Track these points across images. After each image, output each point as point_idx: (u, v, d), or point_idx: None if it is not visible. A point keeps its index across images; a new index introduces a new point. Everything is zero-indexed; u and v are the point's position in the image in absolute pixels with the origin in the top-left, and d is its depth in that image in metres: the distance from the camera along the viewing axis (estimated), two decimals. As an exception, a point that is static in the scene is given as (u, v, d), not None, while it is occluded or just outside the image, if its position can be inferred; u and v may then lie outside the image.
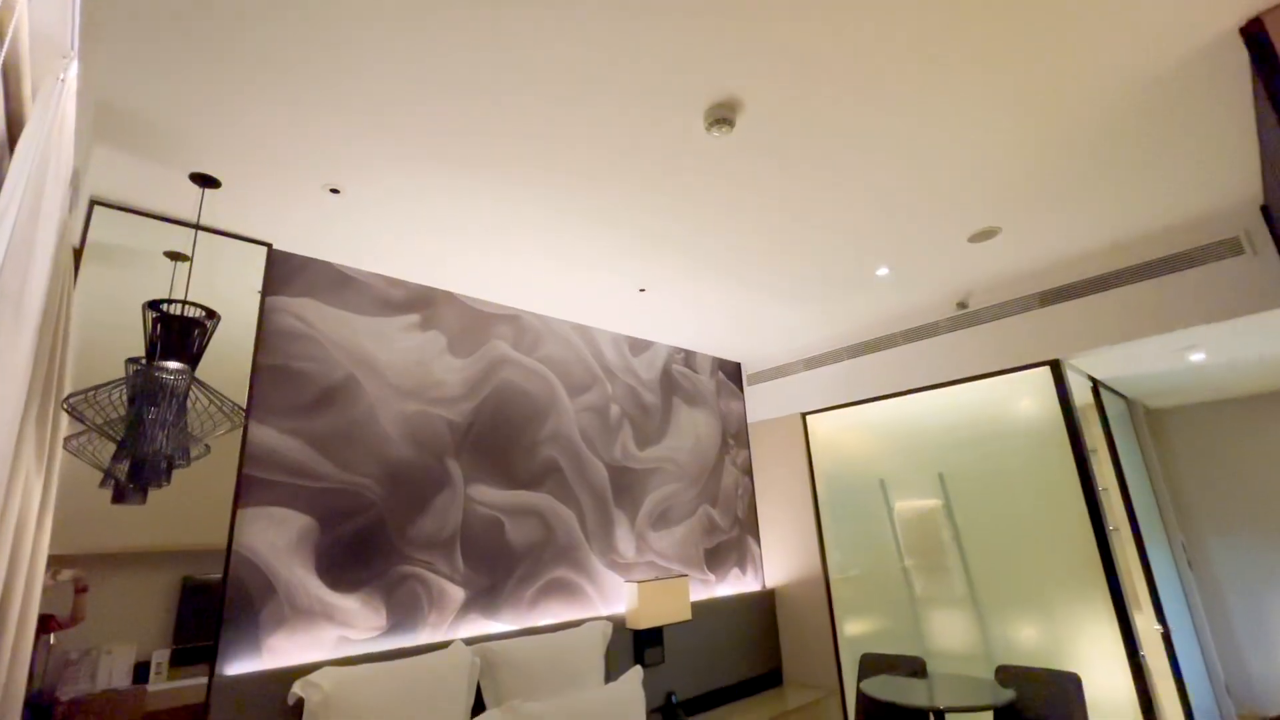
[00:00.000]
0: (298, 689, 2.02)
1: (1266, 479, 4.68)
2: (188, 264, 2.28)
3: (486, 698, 2.44)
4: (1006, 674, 3.02)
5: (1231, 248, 2.67)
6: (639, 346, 3.89)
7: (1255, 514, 4.69)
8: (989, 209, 2.55)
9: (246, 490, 2.23)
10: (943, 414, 3.57)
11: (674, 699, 3.15)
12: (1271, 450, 4.68)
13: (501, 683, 2.45)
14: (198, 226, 2.20)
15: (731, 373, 4.53)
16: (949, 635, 3.40)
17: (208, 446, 2.17)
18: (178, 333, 1.81)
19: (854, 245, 2.79)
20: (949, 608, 3.42)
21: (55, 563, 1.85)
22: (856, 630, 3.77)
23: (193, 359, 1.86)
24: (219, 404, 1.83)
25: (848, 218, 2.54)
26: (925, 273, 3.14)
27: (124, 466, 1.91)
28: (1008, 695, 2.67)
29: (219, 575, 2.11)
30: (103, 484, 2.06)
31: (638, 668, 2.75)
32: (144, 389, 1.85)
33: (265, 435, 2.32)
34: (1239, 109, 2.00)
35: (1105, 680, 2.85)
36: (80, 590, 1.86)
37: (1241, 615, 4.64)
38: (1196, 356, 3.39)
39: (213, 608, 2.09)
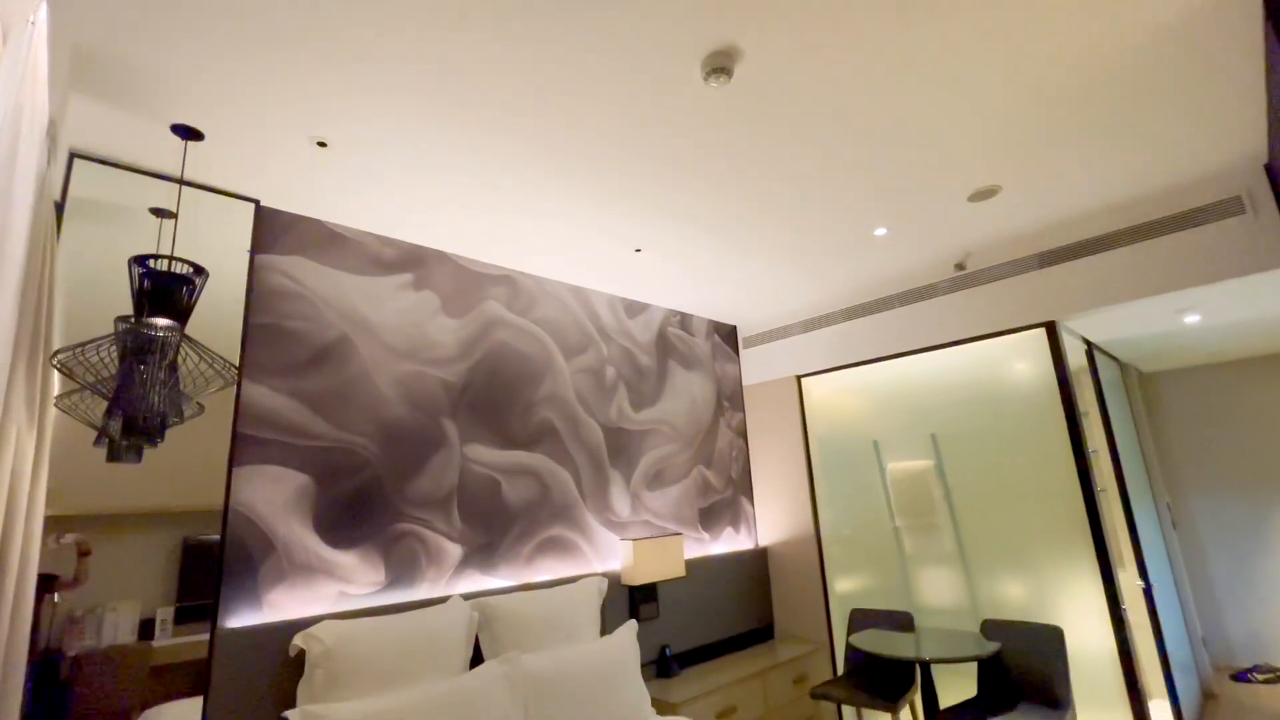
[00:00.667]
0: (299, 641, 2.07)
1: (1253, 442, 4.74)
2: (173, 221, 2.23)
3: (484, 650, 2.50)
4: (991, 627, 3.11)
5: (1232, 208, 2.64)
6: (634, 309, 3.87)
7: (1240, 476, 4.77)
8: (989, 167, 2.51)
9: (242, 449, 2.24)
10: (937, 376, 3.59)
11: (668, 652, 3.24)
12: (1259, 414, 4.74)
13: (499, 636, 2.50)
14: (182, 181, 2.15)
15: (727, 335, 4.53)
16: (937, 591, 3.48)
17: (201, 405, 2.16)
18: (165, 289, 1.79)
19: (853, 205, 2.75)
20: (938, 565, 3.50)
21: (55, 525, 1.87)
22: (847, 587, 3.85)
23: (182, 316, 1.84)
24: (210, 361, 1.82)
25: (847, 176, 2.50)
26: (924, 233, 3.11)
27: (117, 424, 1.90)
28: (992, 647, 2.75)
29: (219, 535, 2.13)
30: (96, 442, 2.06)
31: (632, 622, 2.81)
32: (133, 346, 1.83)
33: (259, 394, 2.31)
34: (1247, 61, 1.95)
35: (1086, 633, 2.93)
36: (83, 554, 1.88)
37: (1221, 573, 4.76)
38: (1192, 319, 3.40)
39: (214, 566, 2.11)
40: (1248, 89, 2.09)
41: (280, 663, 2.12)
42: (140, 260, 1.78)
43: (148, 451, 2.06)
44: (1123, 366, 4.72)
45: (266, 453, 2.29)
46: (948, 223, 3.00)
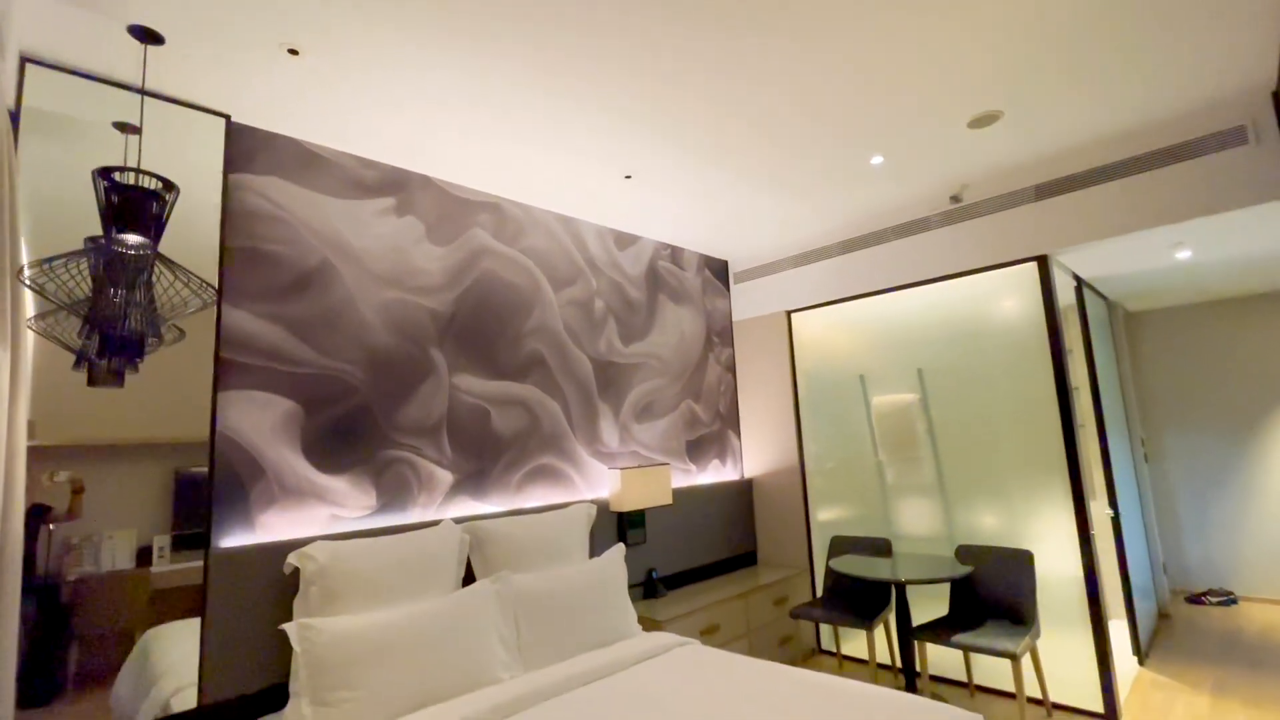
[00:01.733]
0: (293, 559, 2.10)
1: (1229, 381, 4.85)
2: (138, 137, 2.12)
3: (476, 571, 2.57)
4: (965, 552, 3.23)
5: (1235, 138, 2.59)
6: (625, 241, 3.80)
7: (1214, 414, 4.90)
8: (992, 91, 2.42)
9: (226, 373, 2.21)
10: (926, 311, 3.59)
11: (655, 575, 3.36)
12: (1238, 353, 4.82)
13: (490, 557, 2.57)
14: (143, 91, 2.02)
15: (718, 270, 4.48)
16: (916, 520, 3.60)
17: (181, 331, 2.12)
18: (134, 204, 1.71)
19: (850, 130, 2.66)
20: (917, 495, 3.60)
21: (44, 456, 1.85)
22: (828, 516, 3.98)
23: (153, 233, 1.77)
24: (185, 281, 1.77)
25: (846, 98, 2.40)
26: (921, 161, 3.04)
27: (94, 344, 1.86)
28: (964, 570, 2.87)
29: (209, 458, 2.13)
30: (76, 366, 2.02)
31: (620, 545, 2.90)
32: (106, 265, 1.77)
33: (240, 319, 2.27)
34: (1270, -25, 1.86)
35: (1056, 558, 3.06)
36: (76, 491, 1.88)
37: (1186, 505, 4.96)
38: (1183, 254, 3.39)
39: (207, 495, 2.13)
40: (1259, 13, 2.00)
41: (275, 581, 2.16)
42: (105, 173, 1.70)
43: (134, 382, 2.03)
44: (1110, 305, 4.74)
45: (251, 378, 2.27)
46: (946, 150, 2.93)
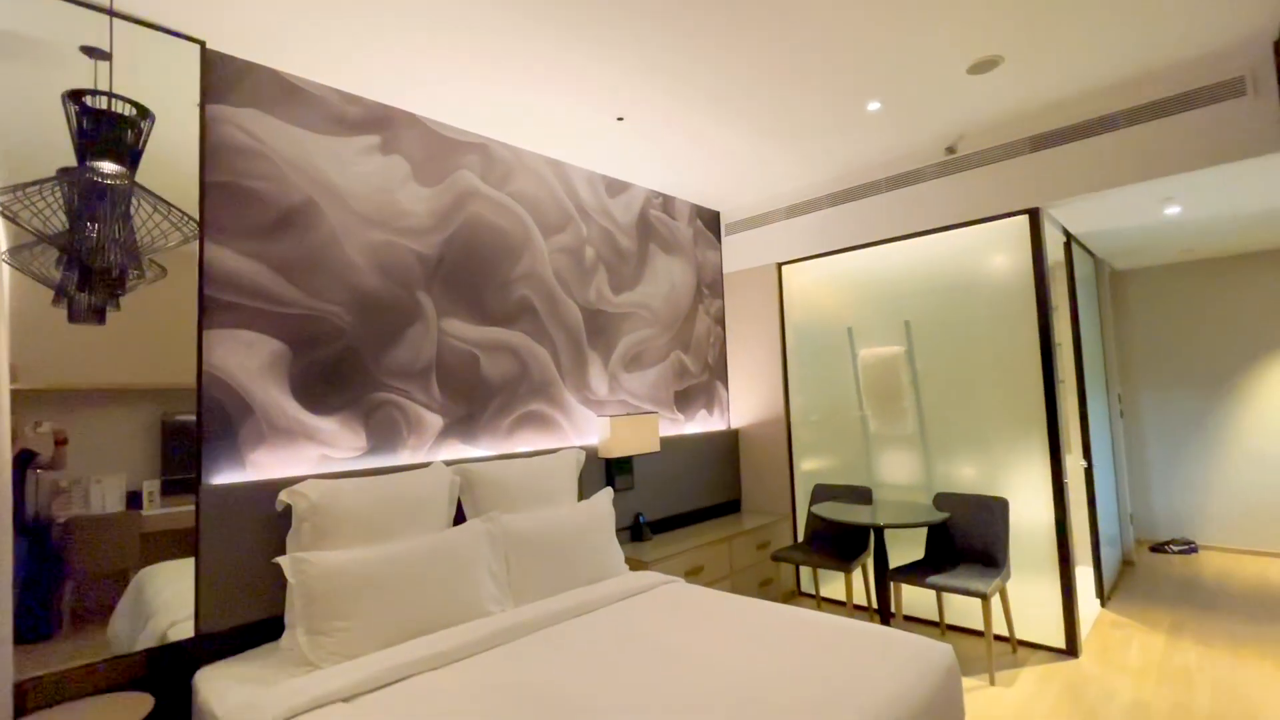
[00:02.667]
0: (284, 496, 2.13)
1: (1205, 340, 4.94)
2: (108, 63, 2.02)
3: (467, 512, 2.61)
4: (943, 500, 3.34)
5: (1233, 89, 2.56)
6: (616, 187, 3.74)
7: (1188, 372, 5.01)
8: (993, 35, 2.37)
9: (211, 312, 2.18)
10: (916, 265, 3.59)
11: (642, 519, 3.44)
12: (1214, 313, 4.90)
13: (480, 499, 2.61)
14: (111, 12, 1.92)
15: (710, 221, 4.43)
16: (897, 470, 3.69)
17: (163, 269, 2.08)
18: (107, 130, 1.65)
19: (849, 74, 2.60)
20: (899, 446, 3.69)
21: (27, 400, 1.83)
22: (812, 466, 4.07)
23: (129, 163, 1.71)
24: (165, 213, 1.72)
25: (845, 41, 2.34)
26: (918, 108, 2.99)
27: (73, 277, 1.82)
28: (941, 516, 2.96)
29: (197, 399, 2.12)
30: (55, 302, 1.99)
31: (608, 489, 2.95)
32: (81, 195, 1.72)
33: (223, 257, 2.22)
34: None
35: (1029, 507, 3.17)
36: (60, 442, 1.87)
37: (1157, 459, 5.13)
38: (1172, 210, 3.40)
39: (196, 444, 2.12)
40: (1275, -51, 1.96)
41: (268, 517, 2.19)
42: (75, 96, 1.63)
43: (117, 323, 1.99)
44: (1097, 262, 4.78)
45: (237, 317, 2.24)
46: (944, 97, 2.88)
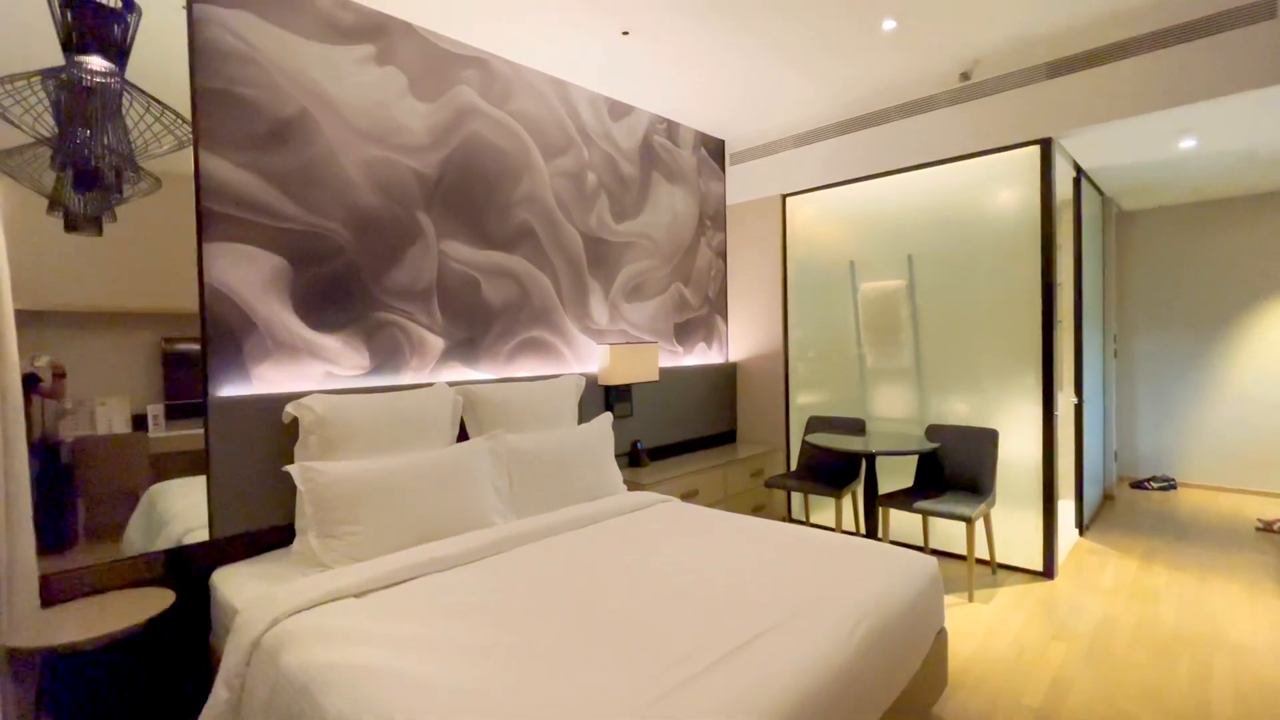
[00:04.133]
0: (290, 409, 2.16)
1: (1207, 282, 4.94)
2: (88, -46, 1.92)
3: (470, 431, 2.67)
4: (934, 431, 3.41)
5: (1260, 12, 2.46)
6: (619, 110, 3.63)
7: (1186, 314, 5.03)
8: (1021, -57, 2.25)
9: (209, 224, 2.15)
10: (923, 198, 3.54)
11: (640, 445, 3.52)
12: (1220, 255, 4.88)
13: (483, 419, 2.66)
14: (89, -106, 1.80)
15: (714, 150, 4.32)
16: (891, 404, 3.76)
17: (158, 180, 2.04)
18: (93, 22, 1.58)
19: (864, -15, 2.49)
20: (895, 381, 3.74)
21: (22, 320, 1.80)
22: (808, 400, 4.13)
23: (118, 60, 1.65)
24: (157, 115, 1.67)
25: (863, -56, 2.22)
26: (934, 28, 2.87)
27: (67, 178, 1.79)
28: (931, 445, 3.04)
29: (199, 331, 2.11)
30: (50, 210, 1.95)
31: (608, 413, 3.01)
32: (70, 94, 1.67)
33: (219, 167, 2.17)
34: None
35: (1018, 442, 3.24)
36: (58, 375, 1.86)
37: (1145, 399, 5.22)
38: (1188, 143, 3.33)
39: (197, 371, 2.12)
40: None
41: (275, 429, 2.23)
42: (57, -15, 1.55)
43: (116, 239, 1.96)
44: (1105, 201, 4.71)
45: (236, 230, 2.21)
46: (962, 13, 2.76)
